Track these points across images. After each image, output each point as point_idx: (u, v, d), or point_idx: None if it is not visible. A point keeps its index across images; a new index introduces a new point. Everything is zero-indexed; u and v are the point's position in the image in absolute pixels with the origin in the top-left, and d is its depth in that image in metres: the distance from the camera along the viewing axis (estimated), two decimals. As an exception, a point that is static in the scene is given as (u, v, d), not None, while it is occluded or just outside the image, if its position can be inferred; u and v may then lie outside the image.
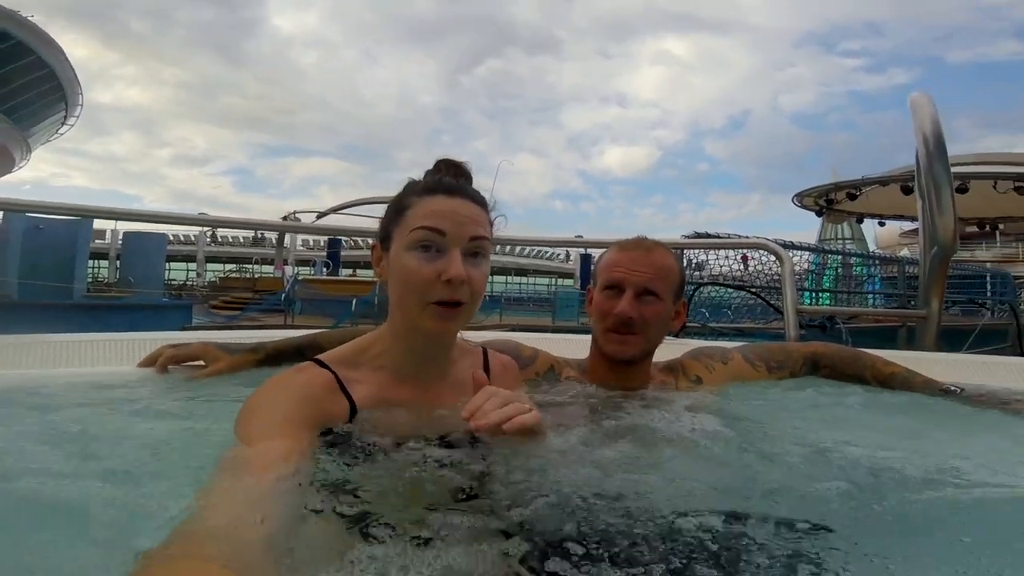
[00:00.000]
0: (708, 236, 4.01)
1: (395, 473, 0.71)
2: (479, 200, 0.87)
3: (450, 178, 0.88)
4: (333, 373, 0.83)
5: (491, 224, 0.88)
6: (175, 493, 0.63)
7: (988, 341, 5.09)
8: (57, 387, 1.12)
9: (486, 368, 0.97)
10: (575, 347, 1.33)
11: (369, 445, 0.76)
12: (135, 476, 0.72)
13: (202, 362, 1.23)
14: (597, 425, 0.91)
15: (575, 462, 0.76)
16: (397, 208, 0.87)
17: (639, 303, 1.07)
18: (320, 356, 0.86)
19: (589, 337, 1.18)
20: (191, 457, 0.77)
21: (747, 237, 3.21)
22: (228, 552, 0.50)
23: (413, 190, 0.87)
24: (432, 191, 0.85)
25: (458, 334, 0.91)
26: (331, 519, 0.60)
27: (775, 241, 2.63)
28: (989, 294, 8.18)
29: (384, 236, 0.88)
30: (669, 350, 1.24)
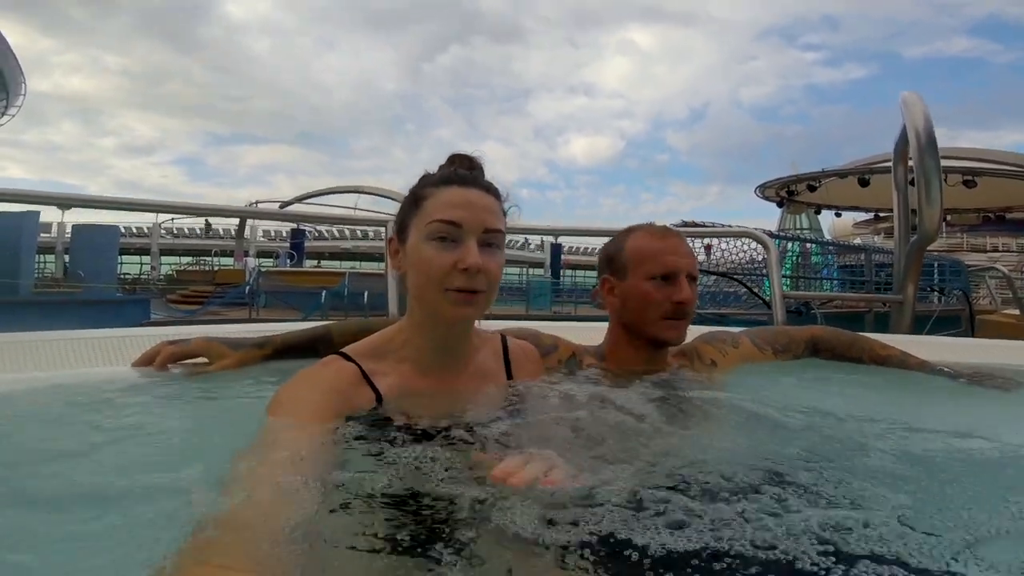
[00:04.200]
0: (695, 225, 4.08)
1: (419, 460, 0.70)
2: (493, 191, 0.89)
3: (464, 170, 0.90)
4: (358, 366, 0.85)
5: (504, 214, 0.90)
6: (199, 485, 0.62)
7: (942, 327, 5.36)
8: (48, 389, 1.05)
9: (505, 355, 0.99)
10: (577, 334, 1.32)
11: (395, 433, 0.76)
12: (159, 474, 0.69)
13: (204, 359, 1.17)
14: (630, 409, 0.91)
15: (607, 445, 0.76)
16: (414, 200, 0.88)
17: (690, 287, 1.11)
18: (345, 349, 0.87)
19: (586, 324, 1.18)
20: (212, 453, 0.75)
21: (729, 226, 3.29)
22: (253, 542, 0.50)
23: (429, 181, 0.89)
24: (448, 182, 0.87)
25: (476, 323, 0.92)
26: (357, 507, 0.59)
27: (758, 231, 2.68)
28: (937, 281, 8.56)
29: (401, 228, 0.90)
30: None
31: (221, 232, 26.19)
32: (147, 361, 1.16)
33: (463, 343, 0.91)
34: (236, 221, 17.50)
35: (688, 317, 1.11)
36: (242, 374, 1.13)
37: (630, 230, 1.19)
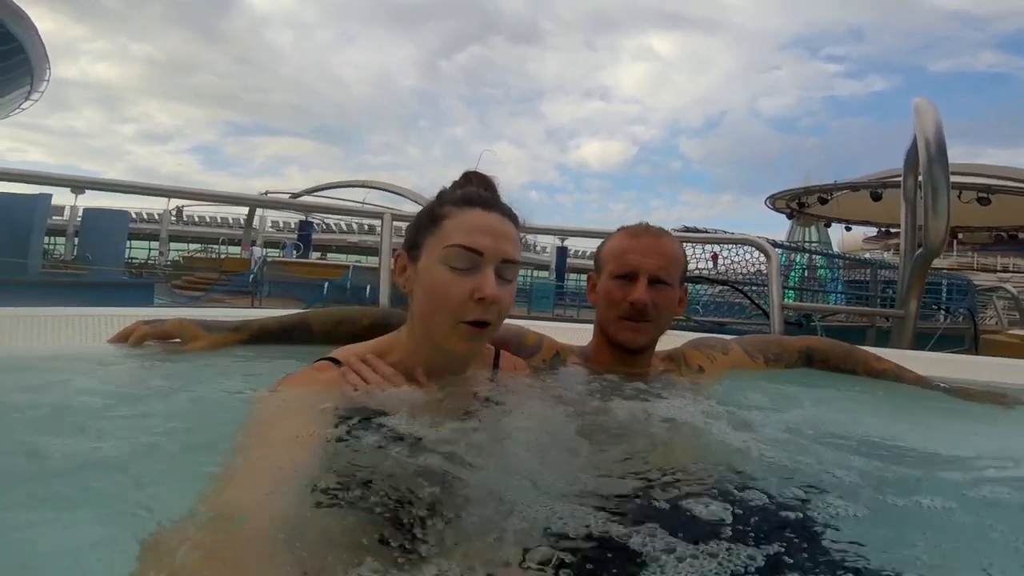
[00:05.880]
0: (697, 231, 4.04)
1: (397, 458, 0.69)
2: (512, 217, 0.86)
3: (483, 191, 0.87)
4: None
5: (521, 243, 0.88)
6: (185, 472, 0.62)
7: (946, 345, 5.29)
8: (28, 363, 1.04)
9: (495, 368, 0.97)
10: (575, 336, 1.30)
11: (376, 435, 0.73)
12: (138, 453, 0.68)
13: (178, 340, 1.15)
14: (605, 411, 0.89)
15: (575, 445, 0.75)
16: (431, 217, 0.84)
17: (651, 291, 1.06)
18: (337, 356, 0.85)
19: (584, 326, 1.16)
20: (193, 439, 0.74)
21: (731, 233, 3.24)
22: (239, 545, 0.49)
23: (449, 200, 0.85)
24: (470, 203, 0.83)
25: None
26: (336, 505, 0.58)
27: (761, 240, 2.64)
28: (944, 299, 8.47)
29: (412, 245, 0.86)
30: (665, 340, 1.22)
31: (207, 219, 26.39)
32: (122, 338, 1.15)
33: (461, 365, 0.90)
34: (245, 211, 17.55)
35: (648, 320, 1.06)
36: (218, 355, 1.12)
37: (618, 229, 1.16)
